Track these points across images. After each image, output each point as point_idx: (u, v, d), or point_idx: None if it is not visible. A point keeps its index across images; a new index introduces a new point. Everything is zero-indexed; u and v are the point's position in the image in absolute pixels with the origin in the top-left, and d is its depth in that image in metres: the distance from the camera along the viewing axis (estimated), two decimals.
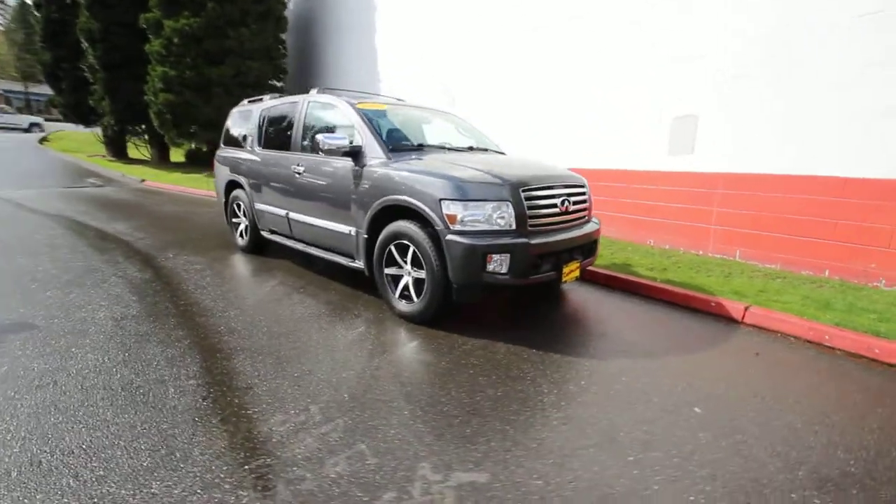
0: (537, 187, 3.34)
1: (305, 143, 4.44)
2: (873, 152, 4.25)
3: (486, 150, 4.43)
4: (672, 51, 5.63)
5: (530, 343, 3.18)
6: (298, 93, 5.34)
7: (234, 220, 5.71)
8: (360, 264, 3.87)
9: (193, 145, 16.96)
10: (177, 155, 18.92)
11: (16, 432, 2.05)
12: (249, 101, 5.74)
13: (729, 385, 2.72)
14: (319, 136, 3.74)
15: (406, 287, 3.50)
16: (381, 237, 3.56)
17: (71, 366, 2.64)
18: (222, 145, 6.01)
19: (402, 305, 3.50)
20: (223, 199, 5.85)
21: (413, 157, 3.69)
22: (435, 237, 3.21)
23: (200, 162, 17.72)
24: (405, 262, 3.48)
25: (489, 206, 3.11)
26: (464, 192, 3.11)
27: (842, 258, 4.44)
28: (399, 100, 5.15)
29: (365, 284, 4.32)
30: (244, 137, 5.49)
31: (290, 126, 4.67)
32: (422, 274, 3.34)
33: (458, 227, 3.09)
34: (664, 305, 4.09)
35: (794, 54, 4.66)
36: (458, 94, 8.96)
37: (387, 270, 3.61)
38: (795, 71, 4.67)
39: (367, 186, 3.66)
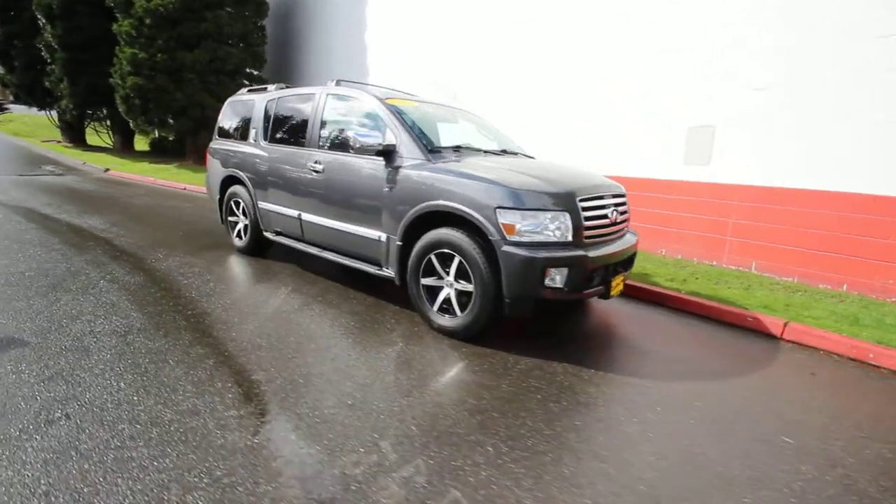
0: (591, 197, 3.16)
1: (324, 138, 4.09)
2: (889, 168, 4.34)
3: (516, 153, 4.22)
4: (660, 42, 5.62)
5: (584, 361, 3.00)
6: (279, 84, 4.98)
7: (230, 218, 5.26)
8: (390, 273, 3.57)
9: (157, 133, 15.89)
10: (141, 143, 17.76)
11: (33, 487, 1.67)
12: (250, 91, 5.31)
13: (802, 409, 2.62)
14: (351, 133, 3.43)
15: (447, 300, 3.25)
16: (419, 245, 3.29)
17: (81, 394, 2.24)
18: (217, 137, 5.53)
19: (443, 319, 3.24)
20: (217, 196, 5.38)
21: (453, 159, 3.43)
22: (487, 248, 2.97)
23: (166, 152, 16.69)
24: (447, 273, 3.22)
25: (547, 216, 2.90)
26: (522, 200, 2.88)
27: (860, 273, 4.50)
28: (408, 94, 4.86)
29: (388, 293, 4.03)
30: (245, 130, 5.05)
31: (305, 120, 4.30)
32: (468, 286, 3.10)
33: (515, 238, 2.86)
34: (696, 318, 4.01)
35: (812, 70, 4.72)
36: (448, 85, 8.73)
37: (423, 281, 3.34)
38: (815, 87, 4.72)
39: (403, 189, 3.37)
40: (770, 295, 4.47)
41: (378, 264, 3.71)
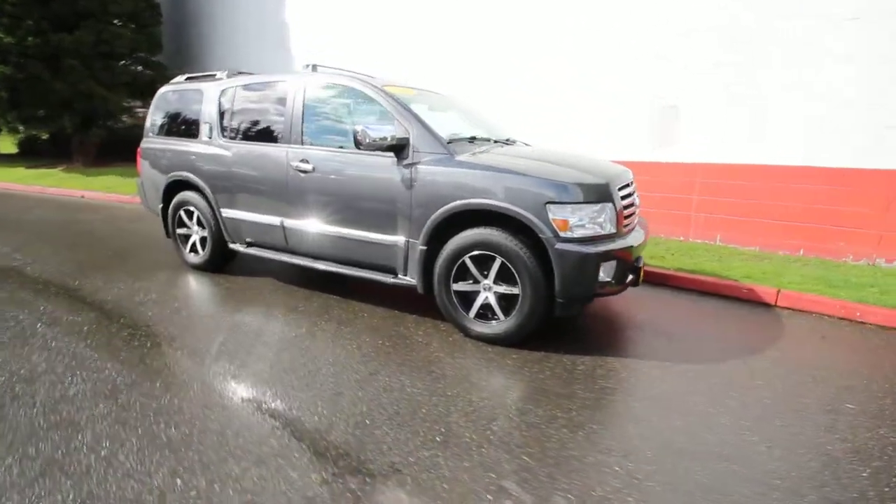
0: (623, 185, 3.09)
1: (310, 133, 3.57)
2: (834, 144, 4.84)
3: (515, 142, 4.03)
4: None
5: (630, 353, 2.96)
6: (229, 70, 4.30)
7: (180, 231, 4.49)
8: (410, 281, 3.24)
9: (22, 131, 13.28)
10: (6, 145, 14.84)
11: None
12: (190, 79, 4.52)
13: (839, 374, 2.79)
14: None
15: (485, 305, 3.01)
16: (449, 248, 3.00)
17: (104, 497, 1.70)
18: (151, 135, 4.67)
19: (483, 326, 3.00)
20: (160, 206, 4.56)
21: (477, 151, 3.16)
22: (536, 246, 2.77)
23: (41, 153, 14.13)
24: (484, 277, 2.98)
25: (595, 208, 2.77)
26: (572, 194, 2.71)
27: (814, 238, 5.01)
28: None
29: (398, 301, 3.68)
30: (193, 125, 4.30)
31: (279, 112, 3.73)
32: (511, 289, 2.88)
33: (567, 235, 2.69)
34: (696, 295, 4.17)
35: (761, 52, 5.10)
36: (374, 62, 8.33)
37: (455, 287, 3.07)
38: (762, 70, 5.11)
39: (425, 188, 3.04)
40: (743, 265, 4.80)
41: (391, 272, 3.35)
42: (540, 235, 2.72)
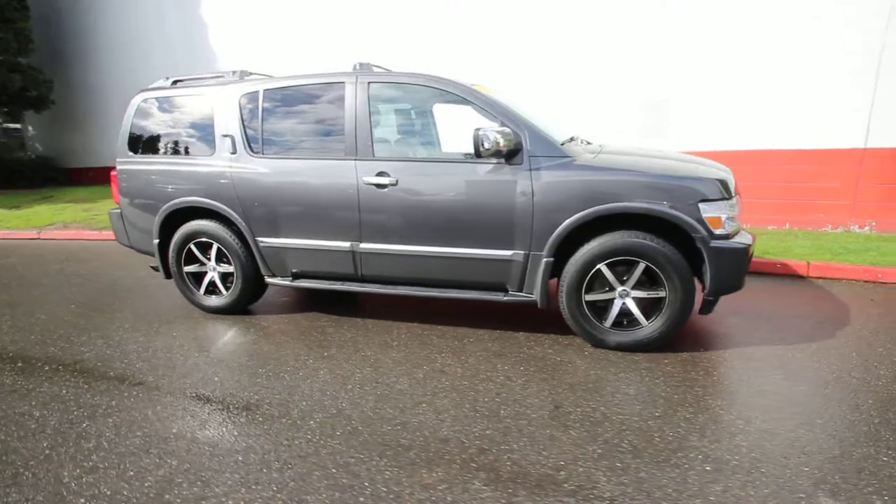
0: None
1: (382, 142, 3.12)
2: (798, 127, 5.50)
3: (584, 140, 3.90)
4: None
5: (742, 341, 3.03)
6: (241, 71, 3.56)
7: (188, 268, 3.68)
8: (528, 296, 2.97)
9: None
10: None
11: None
12: (178, 83, 3.70)
13: None
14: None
15: (623, 312, 2.86)
16: (581, 257, 2.79)
17: None
18: (131, 153, 3.74)
19: (620, 335, 2.85)
20: (156, 240, 3.68)
21: (596, 153, 2.99)
22: (686, 246, 2.69)
23: None
24: (620, 283, 2.83)
25: (732, 202, 2.76)
26: (720, 190, 2.68)
27: (796, 212, 5.63)
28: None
29: (485, 319, 3.38)
30: (201, 139, 3.52)
31: (336, 120, 3.18)
32: (654, 293, 2.77)
33: (721, 231, 2.65)
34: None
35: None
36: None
37: (587, 297, 2.88)
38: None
39: (550, 194, 2.78)
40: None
41: (499, 289, 3.05)
42: (693, 235, 2.64)
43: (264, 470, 1.91)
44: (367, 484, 1.82)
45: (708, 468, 1.87)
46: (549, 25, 6.46)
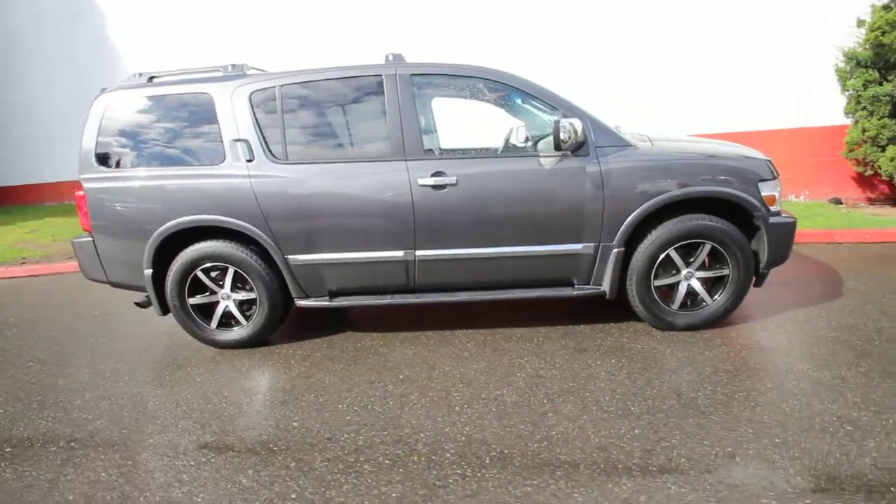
0: None
1: (433, 139, 2.88)
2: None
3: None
4: None
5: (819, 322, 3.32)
6: (235, 65, 3.02)
7: (193, 300, 3.11)
8: (597, 288, 2.95)
9: None
10: None
11: None
12: (154, 79, 3.09)
13: None
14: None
15: (689, 293, 2.96)
16: (650, 245, 2.83)
17: None
18: (106, 167, 3.06)
19: (688, 317, 2.95)
20: (148, 271, 3.05)
21: (650, 140, 3.04)
22: (748, 226, 2.84)
23: None
24: (687, 265, 2.92)
25: (778, 182, 2.96)
26: (772, 170, 2.88)
27: (787, 188, 6.25)
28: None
29: (544, 316, 3.32)
30: (203, 146, 2.99)
31: (376, 117, 2.89)
32: (716, 272, 2.91)
33: (776, 208, 2.84)
34: None
35: None
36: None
37: (655, 283, 2.93)
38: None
39: (620, 184, 2.78)
40: None
41: (566, 284, 3.00)
42: (755, 213, 2.80)
43: None
44: None
45: (849, 428, 1.99)
46: (537, 24, 6.50)
